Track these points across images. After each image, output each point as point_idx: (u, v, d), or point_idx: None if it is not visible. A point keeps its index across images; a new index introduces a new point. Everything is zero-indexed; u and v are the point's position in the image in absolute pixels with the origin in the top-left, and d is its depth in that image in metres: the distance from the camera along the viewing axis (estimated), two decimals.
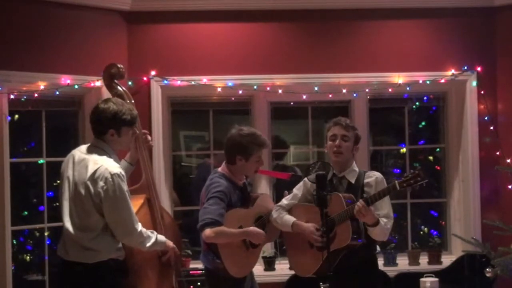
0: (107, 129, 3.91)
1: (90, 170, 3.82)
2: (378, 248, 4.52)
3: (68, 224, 3.86)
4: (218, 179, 4.46)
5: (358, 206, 4.09)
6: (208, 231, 4.25)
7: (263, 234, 4.43)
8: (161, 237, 4.06)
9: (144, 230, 3.93)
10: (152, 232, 3.99)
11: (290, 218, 4.49)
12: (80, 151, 3.97)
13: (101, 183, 3.79)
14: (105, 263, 3.84)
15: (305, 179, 4.50)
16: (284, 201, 4.60)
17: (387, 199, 4.29)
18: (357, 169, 4.46)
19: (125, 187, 3.85)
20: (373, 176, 4.41)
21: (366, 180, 4.39)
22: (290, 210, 4.57)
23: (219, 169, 4.56)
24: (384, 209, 4.30)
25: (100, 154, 3.90)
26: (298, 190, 4.61)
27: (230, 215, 4.36)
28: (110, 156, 3.91)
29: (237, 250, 4.41)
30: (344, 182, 4.41)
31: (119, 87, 4.32)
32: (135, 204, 4.12)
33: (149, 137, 4.39)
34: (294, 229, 4.45)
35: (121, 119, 3.91)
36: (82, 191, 3.82)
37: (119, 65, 4.34)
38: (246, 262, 4.49)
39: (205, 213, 4.30)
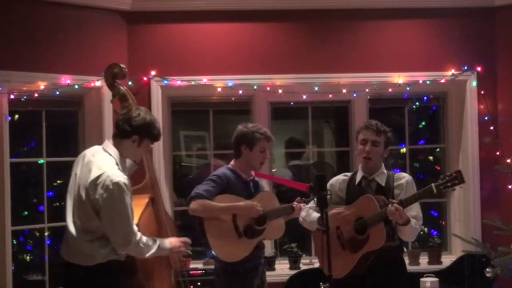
0: (131, 135, 3.85)
1: (93, 175, 3.74)
2: (405, 249, 4.52)
3: (70, 225, 3.82)
4: (221, 169, 4.62)
5: (394, 207, 4.07)
6: (192, 204, 4.37)
7: (256, 205, 4.45)
8: (165, 244, 3.97)
9: (144, 240, 3.82)
10: (154, 241, 3.89)
11: (316, 215, 4.37)
12: (90, 152, 3.90)
13: (101, 191, 3.69)
14: (106, 264, 3.79)
15: (331, 181, 4.51)
16: (313, 203, 4.53)
17: None
18: (385, 171, 4.44)
19: (126, 197, 3.73)
20: (403, 178, 4.40)
21: (396, 183, 4.38)
22: None
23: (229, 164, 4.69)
24: (414, 211, 4.29)
25: (107, 159, 3.81)
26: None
27: (225, 198, 4.43)
28: (117, 163, 3.81)
29: (225, 234, 4.44)
30: (373, 184, 4.40)
31: (121, 87, 4.31)
32: (140, 204, 4.08)
33: None
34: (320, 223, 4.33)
35: (149, 131, 3.87)
36: (83, 195, 3.76)
37: (121, 65, 4.33)
38: (235, 249, 4.48)
39: (193, 191, 4.43)
